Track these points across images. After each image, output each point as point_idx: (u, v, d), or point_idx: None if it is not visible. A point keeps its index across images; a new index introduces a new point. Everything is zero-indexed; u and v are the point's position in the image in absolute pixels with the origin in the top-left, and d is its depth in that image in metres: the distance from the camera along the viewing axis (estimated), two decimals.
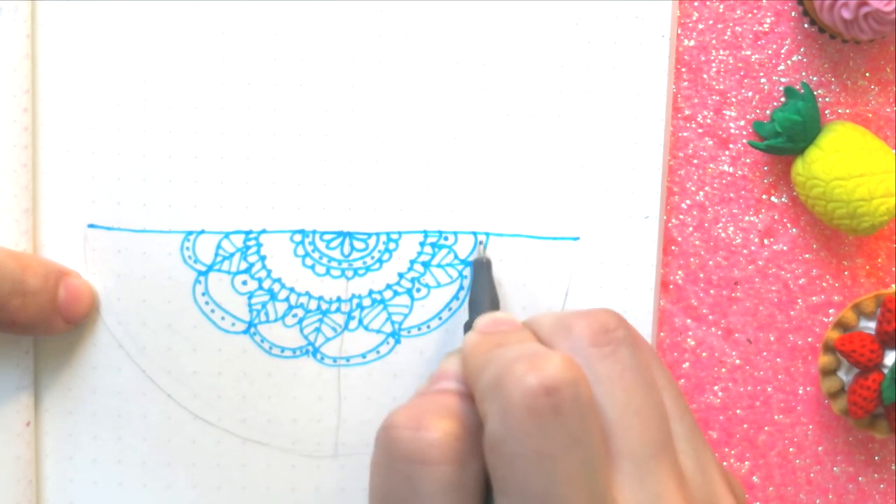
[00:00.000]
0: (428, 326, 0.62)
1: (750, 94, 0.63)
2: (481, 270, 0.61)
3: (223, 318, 0.61)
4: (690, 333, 0.64)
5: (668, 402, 0.52)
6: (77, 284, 0.60)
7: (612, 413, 0.49)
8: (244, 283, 0.61)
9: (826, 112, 0.63)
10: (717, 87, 0.63)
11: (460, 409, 0.50)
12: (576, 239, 0.62)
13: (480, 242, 0.62)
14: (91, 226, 0.61)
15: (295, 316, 0.61)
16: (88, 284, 0.60)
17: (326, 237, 0.61)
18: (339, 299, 0.62)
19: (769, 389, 0.64)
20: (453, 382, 0.53)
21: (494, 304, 0.59)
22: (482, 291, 0.60)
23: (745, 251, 0.64)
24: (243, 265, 0.61)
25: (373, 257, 0.62)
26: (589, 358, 0.50)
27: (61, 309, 0.59)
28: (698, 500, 0.50)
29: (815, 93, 0.63)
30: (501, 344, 0.51)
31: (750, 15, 0.63)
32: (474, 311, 0.59)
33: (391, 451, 0.49)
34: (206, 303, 0.61)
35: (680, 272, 0.63)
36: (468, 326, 0.57)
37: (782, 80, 0.63)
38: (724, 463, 0.64)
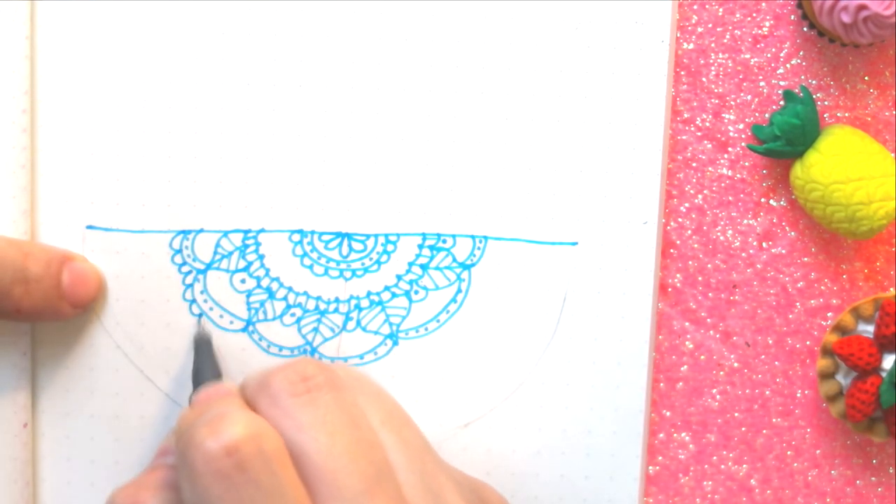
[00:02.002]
0: (426, 329, 0.62)
1: (749, 97, 0.63)
2: (202, 346, 0.60)
3: (222, 317, 0.61)
4: (689, 337, 0.64)
5: (387, 436, 0.52)
6: (82, 268, 0.59)
7: (319, 458, 0.49)
8: (243, 281, 0.61)
9: (825, 115, 0.63)
10: (716, 91, 0.63)
11: (173, 480, 0.51)
12: (574, 244, 0.62)
13: (201, 319, 0.61)
14: (90, 227, 0.61)
15: (293, 315, 0.61)
16: (94, 268, 0.60)
17: (325, 238, 0.61)
18: (337, 300, 0.62)
19: (767, 393, 0.64)
20: (171, 457, 0.54)
21: (217, 378, 0.59)
22: (204, 367, 0.59)
23: (743, 254, 0.64)
24: (242, 263, 0.61)
25: (371, 259, 0.62)
26: (288, 409, 0.50)
27: (67, 294, 0.59)
28: None
29: (814, 96, 0.63)
30: (200, 413, 0.51)
31: (749, 18, 0.63)
32: (196, 386, 0.58)
33: None
34: (205, 300, 0.61)
35: (678, 275, 0.63)
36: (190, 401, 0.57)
37: (781, 83, 0.63)
38: (722, 466, 0.64)
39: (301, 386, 0.51)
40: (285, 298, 0.61)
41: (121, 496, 0.51)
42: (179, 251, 0.61)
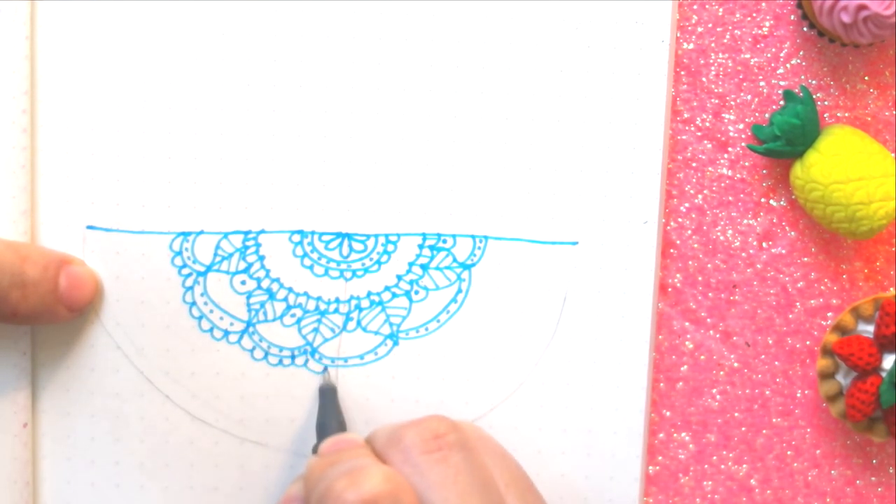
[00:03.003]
0: (426, 329, 0.62)
1: (749, 97, 0.63)
2: (328, 396, 0.61)
3: (222, 318, 0.61)
4: (689, 336, 0.64)
5: (512, 498, 0.52)
6: (79, 272, 0.59)
7: None
8: (243, 282, 0.61)
9: (825, 115, 0.63)
10: (716, 91, 0.63)
11: None
12: (574, 243, 0.62)
13: (327, 370, 0.62)
14: (90, 227, 0.61)
15: (293, 316, 0.61)
16: (91, 271, 0.60)
17: (325, 238, 0.61)
18: (337, 300, 0.62)
19: (767, 393, 0.64)
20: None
21: (342, 428, 0.60)
22: (329, 417, 0.60)
23: (743, 254, 0.64)
24: (242, 265, 0.61)
25: (371, 259, 0.62)
26: (420, 466, 0.51)
27: (63, 298, 0.59)
28: None
29: (814, 96, 0.63)
30: (334, 463, 0.52)
31: (749, 18, 0.63)
32: (321, 435, 0.59)
33: None
34: (205, 303, 0.61)
35: (678, 275, 0.63)
36: (315, 450, 0.57)
37: (781, 83, 0.63)
38: (722, 466, 0.64)
39: (433, 444, 0.52)
40: (286, 299, 0.61)
41: None
42: (179, 253, 0.61)
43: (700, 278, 0.64)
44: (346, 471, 0.49)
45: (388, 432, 0.54)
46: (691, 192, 0.63)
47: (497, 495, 0.52)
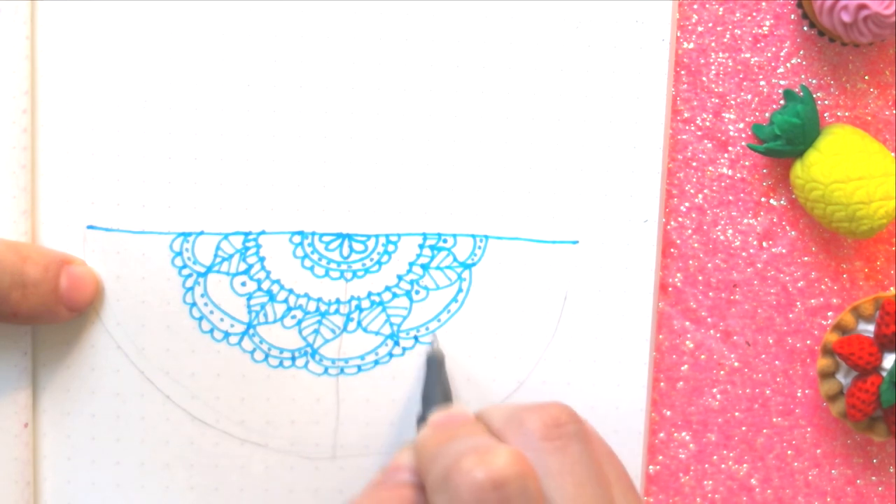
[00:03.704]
0: (427, 329, 0.62)
1: (749, 96, 0.63)
2: (435, 365, 0.61)
3: (222, 320, 0.61)
4: (689, 336, 0.64)
5: (619, 497, 0.52)
6: (79, 272, 0.59)
7: None
8: (243, 284, 0.61)
9: (825, 115, 0.63)
10: (716, 90, 0.63)
11: (410, 501, 0.51)
12: (575, 242, 0.62)
13: (434, 337, 0.62)
14: (90, 227, 0.61)
15: (294, 317, 0.61)
16: (91, 271, 0.60)
17: (326, 239, 0.61)
18: (337, 301, 0.62)
19: (768, 392, 0.64)
20: (406, 474, 0.54)
21: (447, 398, 0.59)
22: (435, 387, 0.60)
23: (743, 254, 0.64)
24: (242, 266, 0.61)
25: (372, 259, 0.62)
26: (540, 451, 0.51)
27: (64, 298, 0.59)
28: None
29: (815, 96, 0.63)
30: (452, 437, 0.51)
31: (749, 18, 0.63)
32: (428, 405, 0.59)
33: None
34: (206, 304, 0.61)
35: (679, 275, 0.63)
36: (421, 419, 0.58)
37: (781, 82, 0.63)
38: (723, 465, 0.64)
39: (555, 431, 0.52)
40: (286, 301, 0.61)
41: None
42: (179, 254, 0.61)
43: (700, 278, 0.64)
44: (473, 448, 0.49)
45: (506, 413, 0.53)
46: (691, 191, 0.63)
47: (608, 490, 0.52)
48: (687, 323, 0.64)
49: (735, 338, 0.64)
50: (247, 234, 0.61)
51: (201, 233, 0.61)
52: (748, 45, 0.63)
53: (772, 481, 0.64)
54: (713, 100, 0.63)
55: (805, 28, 0.63)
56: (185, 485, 0.62)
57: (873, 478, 0.64)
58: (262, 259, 0.61)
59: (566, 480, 0.50)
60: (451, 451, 0.49)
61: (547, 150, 0.62)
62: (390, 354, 0.62)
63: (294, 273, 0.61)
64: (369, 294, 0.62)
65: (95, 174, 0.61)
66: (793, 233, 0.64)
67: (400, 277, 0.62)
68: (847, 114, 0.63)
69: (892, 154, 0.62)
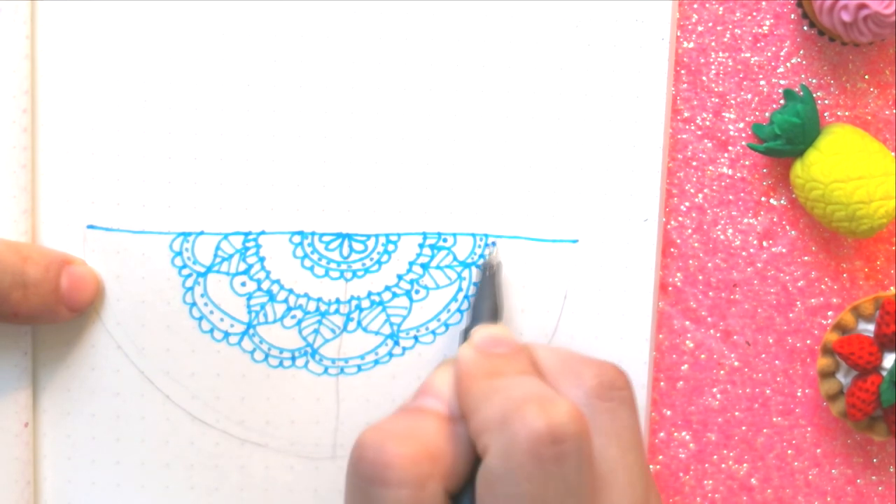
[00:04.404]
0: (427, 328, 0.62)
1: (749, 96, 0.63)
2: (487, 275, 0.61)
3: (222, 320, 0.61)
4: (689, 335, 0.64)
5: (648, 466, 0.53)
6: (80, 272, 0.59)
7: (605, 467, 0.50)
8: (243, 284, 0.61)
9: (825, 114, 0.63)
10: (716, 90, 0.63)
11: (429, 431, 0.51)
12: (574, 242, 0.62)
13: (492, 244, 0.62)
14: (90, 227, 0.61)
15: (294, 317, 0.61)
16: (92, 271, 0.60)
17: (326, 238, 0.61)
18: (337, 301, 0.62)
19: (768, 392, 0.64)
20: (433, 400, 0.54)
21: (494, 315, 0.59)
22: (485, 298, 0.60)
23: (743, 253, 0.64)
24: (242, 266, 0.61)
25: (372, 259, 0.62)
26: (594, 409, 0.51)
27: (65, 298, 0.59)
28: None
29: (815, 95, 0.63)
30: (502, 373, 0.52)
31: (749, 17, 0.63)
32: (475, 319, 0.59)
33: (356, 470, 0.50)
34: (205, 304, 0.61)
35: (679, 274, 0.63)
36: (466, 334, 0.57)
37: (781, 82, 0.63)
38: (723, 465, 0.64)
39: (611, 392, 0.52)
40: (286, 301, 0.61)
41: (369, 437, 0.51)
42: (179, 253, 0.61)
43: (700, 277, 0.64)
44: (533, 395, 0.49)
45: (561, 358, 0.54)
46: (691, 190, 0.63)
47: (644, 459, 0.52)
48: (687, 322, 0.64)
49: (735, 337, 0.64)
50: (247, 234, 0.61)
51: (201, 233, 0.61)
52: (748, 44, 0.63)
53: (772, 481, 0.64)
54: (713, 99, 0.63)
55: (805, 28, 0.63)
56: (185, 485, 0.62)
57: (873, 477, 0.64)
58: (261, 259, 0.61)
59: (612, 443, 0.51)
60: (509, 393, 0.50)
61: (547, 149, 0.62)
62: (390, 354, 0.62)
63: (294, 273, 0.61)
64: (369, 294, 0.62)
65: (95, 174, 0.61)
66: (793, 232, 0.64)
67: (400, 277, 0.62)
68: (847, 113, 0.63)
69: (892, 154, 0.62)
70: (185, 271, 0.61)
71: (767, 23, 0.63)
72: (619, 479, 0.50)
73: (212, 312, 0.61)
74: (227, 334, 0.61)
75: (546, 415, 0.48)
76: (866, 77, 0.63)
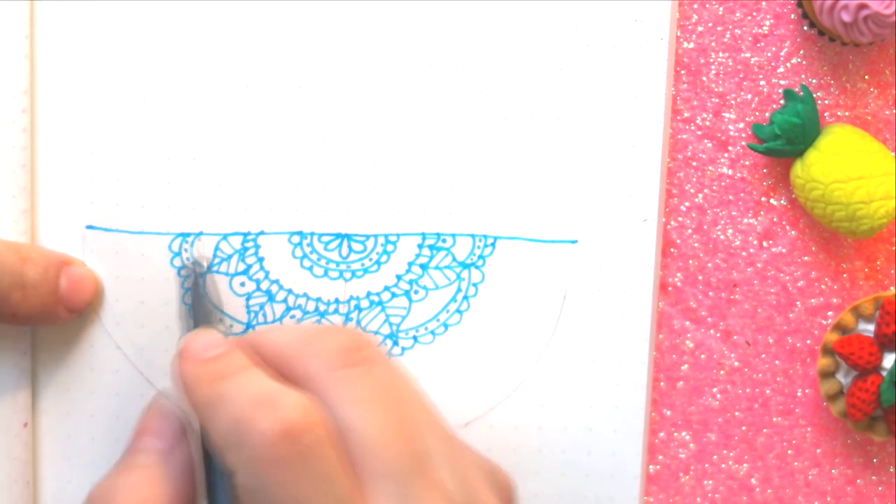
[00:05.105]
0: (426, 328, 0.62)
1: (749, 96, 0.63)
2: (195, 276, 0.59)
3: (221, 320, 0.61)
4: (689, 335, 0.64)
5: (421, 416, 0.52)
6: (79, 273, 0.59)
7: (370, 432, 0.49)
8: (242, 284, 0.61)
9: (825, 114, 0.63)
10: (716, 90, 0.63)
11: (152, 483, 0.52)
12: (574, 242, 0.62)
13: (187, 242, 0.61)
14: (89, 227, 0.61)
15: (293, 317, 0.61)
16: (91, 273, 0.60)
17: (325, 239, 0.61)
18: (336, 301, 0.62)
19: (768, 392, 0.64)
20: (153, 440, 0.55)
21: (208, 317, 0.58)
22: (194, 302, 0.58)
23: (743, 253, 0.64)
24: (241, 266, 0.61)
25: (371, 259, 0.62)
26: (339, 379, 0.50)
27: (64, 299, 0.59)
28: None
29: (815, 95, 0.63)
30: (222, 376, 0.51)
31: (749, 17, 0.63)
32: (186, 328, 0.57)
33: None
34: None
35: (679, 274, 0.63)
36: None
37: (781, 82, 0.63)
38: (723, 465, 0.64)
39: (356, 356, 0.51)
40: (285, 301, 0.61)
41: (95, 499, 0.52)
42: (179, 254, 0.61)
43: (700, 277, 0.64)
44: (259, 397, 0.48)
45: (293, 337, 0.52)
46: (691, 191, 0.63)
47: (413, 411, 0.51)
48: (687, 323, 0.64)
49: (735, 337, 0.64)
50: (246, 234, 0.61)
51: (200, 233, 0.61)
52: (748, 44, 0.63)
53: (772, 481, 0.64)
54: (713, 100, 0.63)
55: (805, 28, 0.63)
56: None
57: (873, 477, 0.64)
58: (260, 259, 0.61)
59: (373, 405, 0.50)
60: (235, 401, 0.49)
61: (546, 149, 0.62)
62: (389, 354, 0.62)
63: (293, 273, 0.61)
64: (368, 294, 0.62)
65: (95, 174, 0.61)
66: (793, 232, 0.64)
67: (399, 277, 0.62)
68: (847, 113, 0.63)
69: (892, 154, 0.62)
70: (185, 272, 0.61)
71: (767, 23, 0.63)
72: (387, 441, 0.49)
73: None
74: (226, 334, 0.61)
75: (276, 417, 0.47)
76: (866, 77, 0.63)
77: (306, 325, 0.54)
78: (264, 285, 0.61)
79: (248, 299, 0.61)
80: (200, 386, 0.51)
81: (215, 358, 0.52)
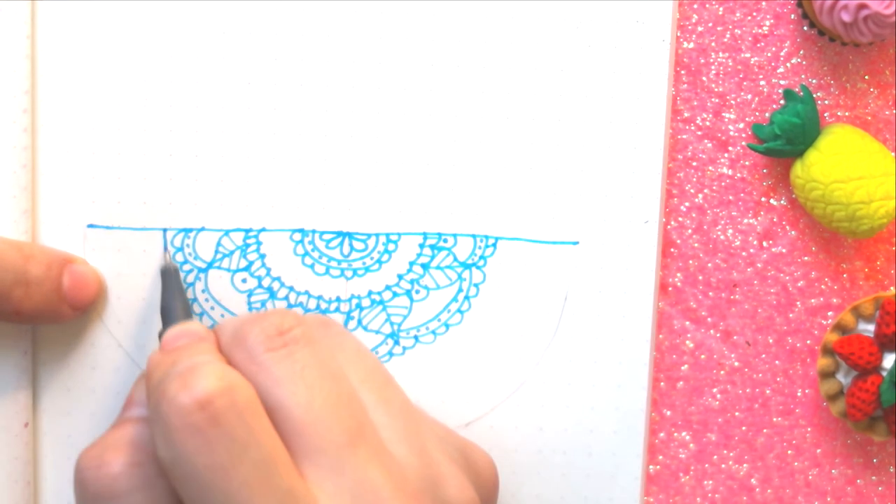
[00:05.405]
0: (427, 328, 0.62)
1: (749, 96, 0.63)
2: (169, 278, 0.60)
3: (223, 316, 0.61)
4: (689, 336, 0.64)
5: (367, 394, 0.52)
6: (82, 271, 0.59)
7: (298, 412, 0.49)
8: (244, 280, 0.61)
9: (825, 115, 0.63)
10: (716, 90, 0.63)
11: (141, 436, 0.51)
12: (575, 243, 0.62)
13: (167, 251, 0.61)
14: (91, 226, 0.61)
15: None
16: (94, 270, 0.60)
17: (326, 237, 0.61)
18: (338, 299, 0.62)
19: (768, 392, 0.64)
20: (138, 408, 0.54)
21: (187, 313, 0.58)
22: (172, 300, 0.59)
23: (744, 253, 0.64)
24: (243, 263, 0.61)
25: (372, 258, 0.62)
26: (265, 363, 0.51)
27: (67, 297, 0.59)
28: (415, 483, 0.51)
29: (815, 95, 0.63)
30: (175, 362, 0.51)
31: (749, 17, 0.63)
32: (166, 322, 0.58)
33: (84, 493, 0.51)
34: (206, 300, 0.61)
35: (679, 274, 0.63)
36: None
37: (781, 82, 0.63)
38: (723, 465, 0.64)
39: (278, 340, 0.51)
40: (286, 298, 0.61)
41: (85, 459, 0.51)
42: (181, 249, 0.61)
43: (700, 277, 0.64)
44: (180, 371, 0.49)
45: (232, 329, 0.53)
46: (692, 191, 0.63)
47: (348, 387, 0.51)
48: (687, 323, 0.64)
49: (735, 338, 0.64)
50: (247, 230, 0.61)
51: (202, 229, 0.61)
52: (748, 45, 0.63)
53: (772, 481, 0.64)
54: (713, 100, 0.63)
55: (805, 28, 0.63)
56: None
57: (873, 478, 0.64)
58: (262, 256, 0.61)
59: (297, 385, 0.50)
60: (162, 379, 0.49)
61: (547, 150, 0.62)
62: (390, 354, 0.62)
63: (294, 271, 0.61)
64: (369, 293, 0.62)
65: (96, 173, 0.61)
66: (793, 232, 0.64)
67: (400, 276, 0.62)
68: (847, 114, 0.63)
69: (892, 154, 0.62)
70: (187, 267, 0.61)
71: (767, 23, 0.63)
72: (316, 417, 0.49)
73: (213, 308, 0.61)
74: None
75: (186, 386, 0.48)
76: (866, 77, 0.63)
77: (248, 313, 0.54)
78: (266, 282, 0.61)
79: (249, 296, 0.61)
80: (154, 370, 0.51)
81: (179, 347, 0.53)
